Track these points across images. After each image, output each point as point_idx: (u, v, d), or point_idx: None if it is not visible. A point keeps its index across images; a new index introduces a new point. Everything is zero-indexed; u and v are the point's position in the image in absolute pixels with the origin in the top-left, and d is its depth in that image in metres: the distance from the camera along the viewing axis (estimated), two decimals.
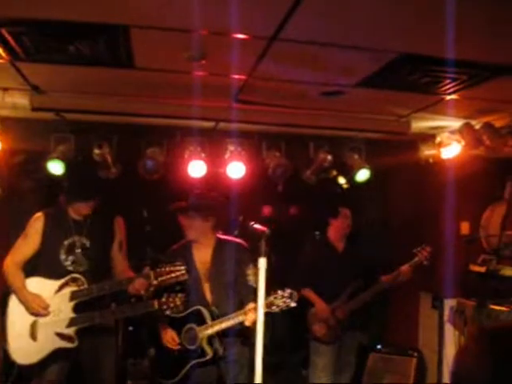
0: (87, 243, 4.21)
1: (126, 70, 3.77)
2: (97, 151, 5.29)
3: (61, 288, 4.05)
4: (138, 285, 4.06)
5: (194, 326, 4.28)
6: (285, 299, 3.98)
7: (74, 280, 4.06)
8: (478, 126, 4.89)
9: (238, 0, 2.61)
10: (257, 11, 2.75)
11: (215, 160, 5.54)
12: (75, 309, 4.02)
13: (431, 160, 5.62)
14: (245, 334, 4.32)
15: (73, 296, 4.01)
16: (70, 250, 4.16)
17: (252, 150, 5.57)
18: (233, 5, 2.67)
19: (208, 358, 4.22)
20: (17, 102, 4.61)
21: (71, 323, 4.00)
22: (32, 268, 4.17)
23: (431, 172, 5.80)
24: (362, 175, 5.65)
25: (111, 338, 4.48)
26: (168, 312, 4.09)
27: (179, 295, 4.10)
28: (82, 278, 4.06)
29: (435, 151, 5.49)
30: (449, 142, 5.21)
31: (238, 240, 4.57)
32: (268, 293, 3.83)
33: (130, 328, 6.28)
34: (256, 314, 3.93)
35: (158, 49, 3.34)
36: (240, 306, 4.31)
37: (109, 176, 5.60)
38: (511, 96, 4.24)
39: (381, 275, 5.33)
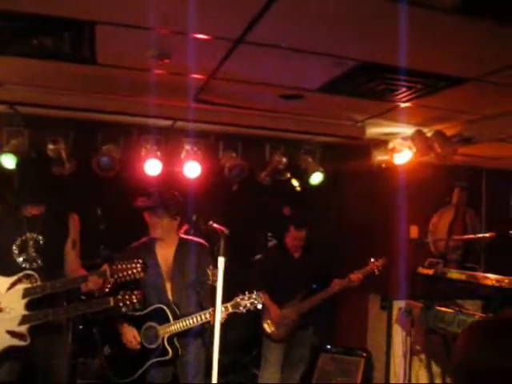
0: (41, 240, 4.09)
1: (88, 66, 3.73)
2: (51, 146, 5.21)
3: (13, 285, 3.92)
4: (92, 283, 3.97)
5: (154, 324, 4.28)
6: (252, 300, 4.13)
7: (28, 277, 3.94)
8: (429, 134, 5.05)
9: (206, 1, 2.65)
10: (225, 13, 2.79)
11: (171, 159, 5.53)
12: (28, 306, 3.89)
13: (383, 165, 5.76)
14: (204, 334, 4.34)
15: (25, 293, 3.89)
16: (23, 247, 4.04)
17: (208, 149, 5.59)
18: (201, 5, 2.71)
19: (168, 357, 4.23)
20: None
21: (23, 321, 3.87)
22: None
23: (383, 177, 5.95)
24: (316, 178, 5.75)
25: (64, 337, 4.36)
26: (124, 309, 4.02)
27: (135, 292, 4.05)
28: (36, 275, 3.93)
29: (387, 157, 5.63)
30: (401, 148, 5.35)
31: (199, 240, 4.58)
32: (228, 295, 3.92)
33: (81, 327, 6.20)
34: (223, 314, 4.04)
35: (122, 46, 3.33)
36: (199, 305, 4.36)
37: (63, 172, 5.51)
38: (463, 106, 4.41)
39: (333, 279, 5.42)
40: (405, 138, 5.35)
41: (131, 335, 4.28)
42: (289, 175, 6.19)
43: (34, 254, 4.03)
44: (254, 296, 4.15)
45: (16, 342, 3.87)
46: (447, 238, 6.14)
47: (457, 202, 6.26)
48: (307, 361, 5.75)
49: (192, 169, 5.42)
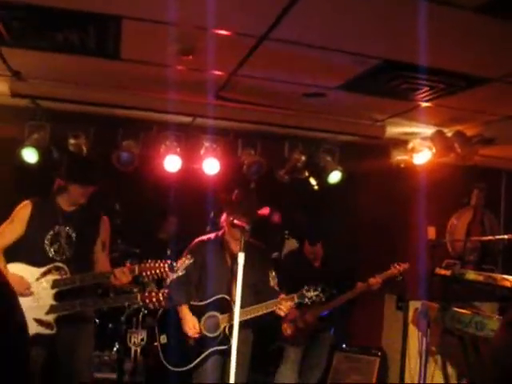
0: (73, 234, 4.18)
1: (111, 61, 3.77)
2: (72, 141, 5.25)
3: (43, 275, 4.03)
4: (120, 279, 4.04)
5: (216, 313, 4.31)
6: (317, 293, 4.24)
7: (57, 269, 4.05)
8: (449, 134, 5.03)
9: None
10: (250, 10, 2.80)
11: (190, 155, 5.56)
12: (56, 297, 4.00)
13: (402, 165, 5.75)
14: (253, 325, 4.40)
15: (55, 284, 4.00)
16: (55, 239, 4.13)
17: (227, 146, 5.61)
18: (227, 2, 2.73)
19: (228, 346, 4.11)
20: None
21: (51, 310, 3.98)
22: (13, 254, 4.10)
23: (402, 177, 5.93)
24: (334, 177, 5.74)
25: (89, 329, 4.39)
26: (150, 306, 4.14)
27: (162, 291, 4.15)
28: (66, 268, 4.05)
29: (407, 157, 5.61)
30: (421, 148, 5.33)
31: (259, 243, 4.56)
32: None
33: (97, 321, 6.25)
34: (290, 304, 4.21)
35: (147, 41, 3.36)
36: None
37: None
38: (483, 106, 4.39)
39: (354, 282, 5.40)
40: (425, 138, 5.33)
41: (191, 323, 4.25)
42: (307, 174, 6.19)
43: (65, 246, 4.13)
44: (319, 289, 4.23)
45: (42, 330, 3.97)
46: (465, 239, 6.10)
47: (475, 203, 6.22)
48: (325, 361, 5.74)
49: (211, 165, 5.44)
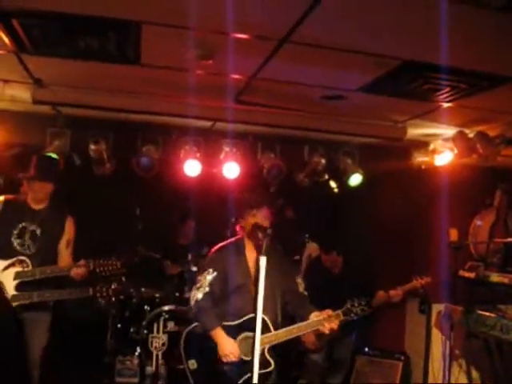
0: (37, 231, 4.40)
1: (131, 67, 3.80)
2: (93, 147, 5.30)
3: (7, 268, 4.28)
4: (76, 273, 4.31)
5: (251, 334, 3.71)
6: (362, 307, 3.96)
7: (20, 262, 4.30)
8: (471, 135, 4.98)
9: (253, 2, 2.67)
10: (270, 13, 2.80)
11: (210, 160, 5.57)
12: (17, 287, 4.24)
13: (423, 167, 5.70)
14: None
15: (16, 276, 4.25)
16: (21, 234, 4.37)
17: (247, 150, 5.61)
18: (246, 6, 2.72)
19: (271, 369, 3.85)
20: (16, 94, 4.62)
21: (12, 299, 4.23)
22: None
23: (423, 179, 5.88)
24: (355, 180, 5.72)
25: (46, 319, 4.57)
26: (101, 300, 4.44)
27: (113, 287, 4.39)
28: (28, 261, 4.30)
29: (428, 158, 5.57)
30: (442, 149, 5.29)
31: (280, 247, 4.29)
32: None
33: (119, 325, 6.29)
34: (336, 322, 3.87)
35: (167, 46, 3.37)
36: (286, 315, 4.08)
37: (104, 172, 5.61)
38: (505, 106, 4.35)
39: (377, 291, 5.34)
40: (446, 140, 5.29)
41: (231, 347, 3.85)
42: (327, 177, 6.17)
43: (29, 242, 4.37)
44: (363, 302, 3.97)
45: None
46: (488, 240, 6.03)
47: (498, 205, 6.14)
48: (348, 366, 5.70)
49: (231, 169, 5.45)
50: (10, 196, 4.54)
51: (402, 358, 6.07)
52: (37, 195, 4.44)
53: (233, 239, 4.21)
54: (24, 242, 4.36)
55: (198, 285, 4.01)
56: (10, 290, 4.25)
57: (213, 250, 4.19)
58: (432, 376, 5.82)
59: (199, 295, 3.96)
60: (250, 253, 4.07)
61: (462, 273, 5.50)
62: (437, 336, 5.87)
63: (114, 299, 4.49)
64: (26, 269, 4.28)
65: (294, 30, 2.94)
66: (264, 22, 2.92)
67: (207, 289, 3.97)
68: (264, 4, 2.70)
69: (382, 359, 6.12)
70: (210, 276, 4.00)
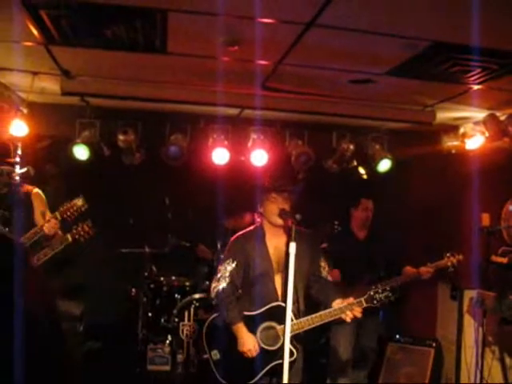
0: (7, 215, 4.53)
1: (158, 56, 3.81)
2: (121, 137, 5.36)
3: None
4: (49, 228, 4.47)
5: (273, 324, 3.86)
6: (386, 293, 3.81)
7: None
8: (502, 118, 4.88)
9: None
10: None
11: (238, 148, 5.58)
12: None
13: (454, 151, 5.62)
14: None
15: None
16: None
17: (275, 138, 5.60)
18: None
19: (293, 358, 3.74)
20: (45, 86, 4.67)
21: None
22: None
23: (453, 163, 5.80)
24: (384, 165, 5.67)
25: None
26: (81, 239, 4.59)
27: (86, 222, 4.64)
28: (7, 232, 4.43)
29: (458, 142, 5.48)
30: (473, 133, 5.20)
31: (307, 230, 4.12)
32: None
33: (150, 314, 6.36)
34: (358, 310, 3.72)
35: (193, 33, 3.36)
36: (309, 300, 4.01)
37: (133, 162, 5.66)
38: None
39: (403, 266, 5.30)
40: (477, 123, 5.19)
41: (251, 343, 3.81)
42: (355, 163, 6.12)
43: (1, 227, 4.48)
44: (387, 288, 3.84)
45: None
46: None
47: None
48: (377, 350, 5.67)
49: (259, 157, 5.44)
50: None
51: (434, 344, 6.00)
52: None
53: (251, 227, 4.14)
54: None
55: (219, 275, 4.00)
56: None
57: (232, 239, 4.13)
58: (464, 363, 5.77)
59: (220, 286, 3.95)
60: (271, 240, 4.00)
61: (494, 258, 5.41)
62: (469, 322, 5.80)
63: (91, 234, 4.68)
64: None
65: (320, 14, 2.91)
66: (290, 5, 2.89)
67: (228, 279, 3.95)
68: None
69: (413, 346, 6.06)
70: (229, 266, 3.98)
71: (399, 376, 5.89)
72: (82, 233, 4.64)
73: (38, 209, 4.68)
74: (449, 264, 5.18)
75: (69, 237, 4.60)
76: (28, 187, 4.66)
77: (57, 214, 4.54)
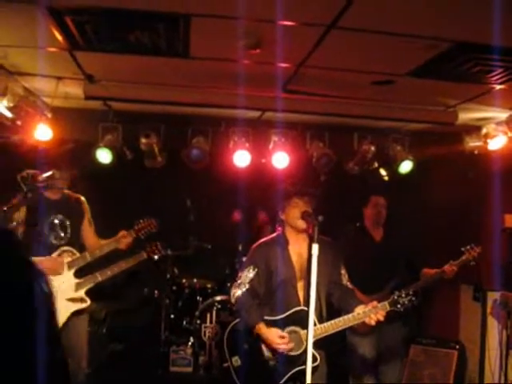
0: (66, 221, 4.53)
1: (180, 60, 3.86)
2: (144, 140, 5.41)
3: None
4: (129, 241, 4.60)
5: (296, 328, 3.83)
6: (410, 297, 3.82)
7: (65, 252, 4.43)
8: None
9: None
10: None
11: (259, 150, 5.60)
12: (75, 275, 4.42)
13: (476, 152, 5.58)
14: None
15: (70, 265, 4.39)
16: (52, 227, 4.46)
17: (296, 140, 5.61)
18: None
19: (316, 364, 3.69)
20: (69, 91, 4.75)
21: (78, 287, 4.41)
22: None
23: (475, 164, 5.76)
24: (406, 167, 5.65)
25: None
26: (154, 256, 4.75)
27: (157, 242, 4.79)
28: (73, 249, 4.44)
29: (480, 143, 5.44)
30: (495, 133, 5.16)
31: (327, 238, 4.05)
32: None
33: (172, 316, 6.40)
34: (382, 314, 3.72)
35: (215, 37, 3.40)
36: (330, 307, 4.01)
37: (155, 165, 5.72)
38: None
39: (422, 268, 5.24)
40: (499, 123, 5.16)
41: (276, 335, 3.75)
42: (377, 165, 6.11)
43: (61, 233, 4.48)
44: (411, 292, 3.84)
45: (79, 305, 4.42)
46: None
47: None
48: (403, 355, 5.58)
49: (280, 159, 5.46)
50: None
51: (457, 346, 5.97)
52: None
53: (274, 235, 4.15)
54: (57, 235, 4.45)
55: (239, 281, 4.00)
56: (71, 279, 4.37)
57: (254, 246, 4.13)
58: (488, 365, 5.72)
59: (239, 292, 3.96)
60: (294, 247, 3.99)
61: None
62: (492, 324, 5.75)
63: (163, 253, 4.91)
64: (74, 257, 4.39)
65: (341, 16, 2.92)
66: (311, 8, 2.91)
67: (247, 285, 3.96)
68: None
69: (436, 348, 6.02)
70: (250, 274, 3.99)
71: (423, 377, 5.86)
72: (156, 251, 4.80)
73: (86, 217, 4.71)
74: (470, 258, 5.10)
75: (144, 254, 4.73)
76: (74, 194, 4.67)
77: (132, 232, 4.62)
